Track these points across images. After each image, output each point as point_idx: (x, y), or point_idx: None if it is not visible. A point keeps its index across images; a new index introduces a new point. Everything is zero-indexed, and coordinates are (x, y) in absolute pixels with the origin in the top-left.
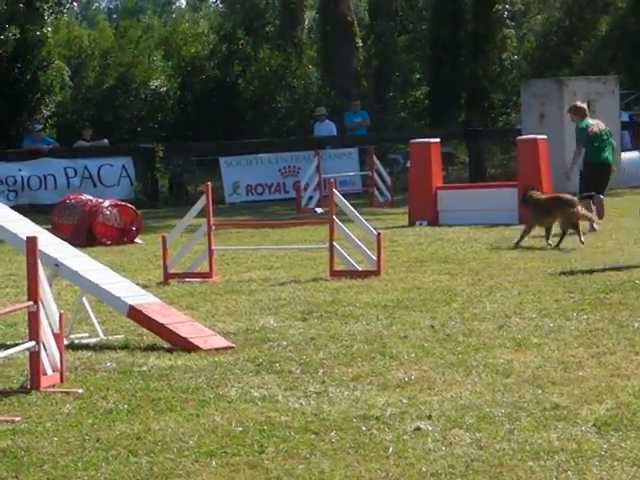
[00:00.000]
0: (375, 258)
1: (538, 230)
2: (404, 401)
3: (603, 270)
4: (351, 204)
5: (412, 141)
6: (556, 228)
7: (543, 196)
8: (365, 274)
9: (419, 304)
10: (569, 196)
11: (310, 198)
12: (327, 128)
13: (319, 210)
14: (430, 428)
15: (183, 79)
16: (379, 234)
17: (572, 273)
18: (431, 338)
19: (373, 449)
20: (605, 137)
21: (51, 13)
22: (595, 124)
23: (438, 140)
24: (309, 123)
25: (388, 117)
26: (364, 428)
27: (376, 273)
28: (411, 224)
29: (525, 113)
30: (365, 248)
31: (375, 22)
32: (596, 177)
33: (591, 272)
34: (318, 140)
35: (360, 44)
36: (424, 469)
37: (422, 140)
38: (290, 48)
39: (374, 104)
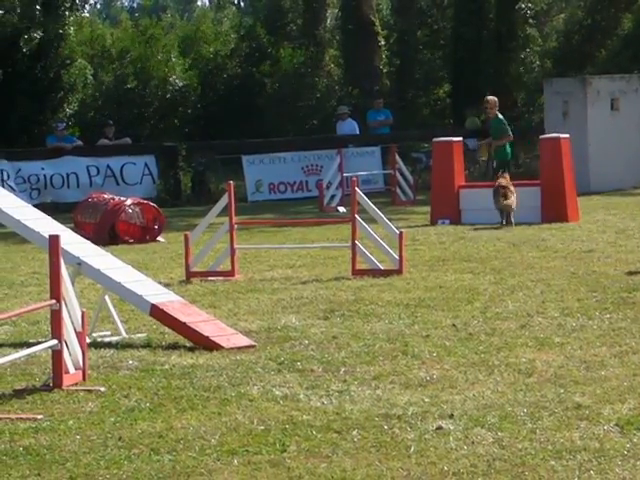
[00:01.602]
0: (397, 257)
1: (561, 231)
2: (426, 400)
3: (626, 269)
4: (373, 203)
5: (434, 139)
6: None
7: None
8: (387, 273)
9: (441, 303)
10: (502, 183)
11: (332, 197)
12: (349, 127)
13: (341, 209)
14: (452, 427)
15: (205, 77)
16: (401, 233)
17: (594, 272)
18: (453, 337)
19: (395, 448)
20: None
21: (71, 12)
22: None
23: (460, 138)
24: (331, 122)
25: (410, 115)
26: (386, 427)
27: (398, 272)
28: (433, 223)
29: (548, 112)
30: (387, 247)
31: (397, 20)
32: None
33: (614, 271)
34: (340, 139)
35: (382, 42)
36: (446, 468)
37: (444, 139)
38: (312, 47)
39: (396, 102)
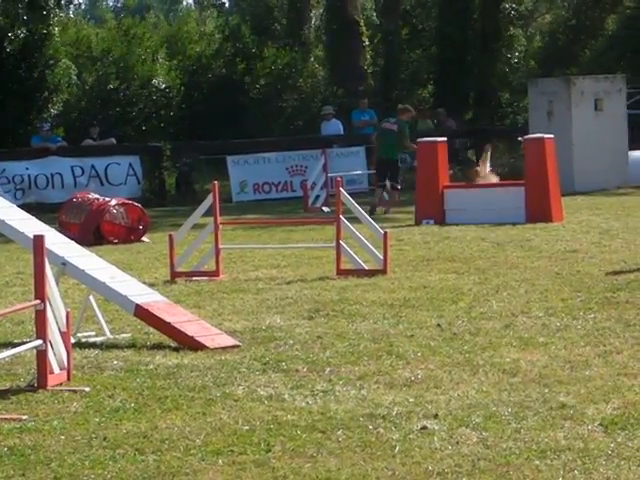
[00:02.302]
0: (382, 257)
1: (545, 231)
2: (411, 400)
3: (610, 269)
4: (358, 203)
5: (419, 140)
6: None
7: None
8: (372, 273)
9: (426, 303)
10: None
11: (317, 197)
12: (334, 127)
13: (326, 209)
14: (436, 427)
15: (189, 78)
16: (386, 233)
17: (579, 272)
18: (438, 337)
19: (380, 448)
20: None
21: (60, 9)
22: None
23: (445, 139)
24: (316, 122)
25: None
26: (371, 427)
27: (383, 272)
28: (418, 223)
29: (532, 112)
30: (372, 247)
31: (382, 20)
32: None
33: (598, 271)
34: (325, 139)
35: (367, 43)
36: (430, 468)
37: (429, 139)
38: (297, 47)
39: (381, 103)
